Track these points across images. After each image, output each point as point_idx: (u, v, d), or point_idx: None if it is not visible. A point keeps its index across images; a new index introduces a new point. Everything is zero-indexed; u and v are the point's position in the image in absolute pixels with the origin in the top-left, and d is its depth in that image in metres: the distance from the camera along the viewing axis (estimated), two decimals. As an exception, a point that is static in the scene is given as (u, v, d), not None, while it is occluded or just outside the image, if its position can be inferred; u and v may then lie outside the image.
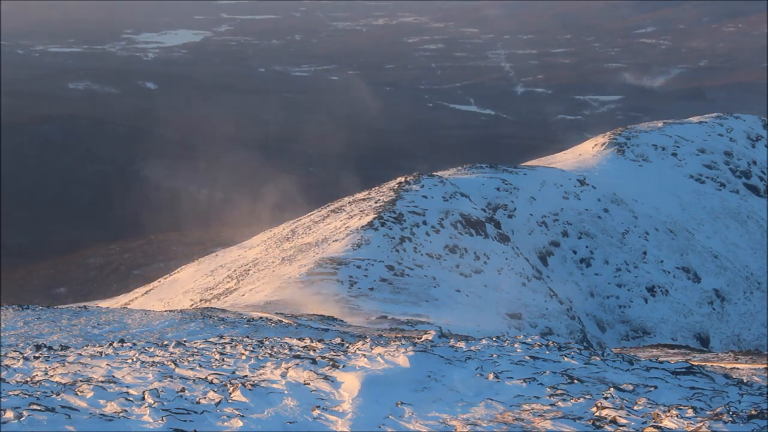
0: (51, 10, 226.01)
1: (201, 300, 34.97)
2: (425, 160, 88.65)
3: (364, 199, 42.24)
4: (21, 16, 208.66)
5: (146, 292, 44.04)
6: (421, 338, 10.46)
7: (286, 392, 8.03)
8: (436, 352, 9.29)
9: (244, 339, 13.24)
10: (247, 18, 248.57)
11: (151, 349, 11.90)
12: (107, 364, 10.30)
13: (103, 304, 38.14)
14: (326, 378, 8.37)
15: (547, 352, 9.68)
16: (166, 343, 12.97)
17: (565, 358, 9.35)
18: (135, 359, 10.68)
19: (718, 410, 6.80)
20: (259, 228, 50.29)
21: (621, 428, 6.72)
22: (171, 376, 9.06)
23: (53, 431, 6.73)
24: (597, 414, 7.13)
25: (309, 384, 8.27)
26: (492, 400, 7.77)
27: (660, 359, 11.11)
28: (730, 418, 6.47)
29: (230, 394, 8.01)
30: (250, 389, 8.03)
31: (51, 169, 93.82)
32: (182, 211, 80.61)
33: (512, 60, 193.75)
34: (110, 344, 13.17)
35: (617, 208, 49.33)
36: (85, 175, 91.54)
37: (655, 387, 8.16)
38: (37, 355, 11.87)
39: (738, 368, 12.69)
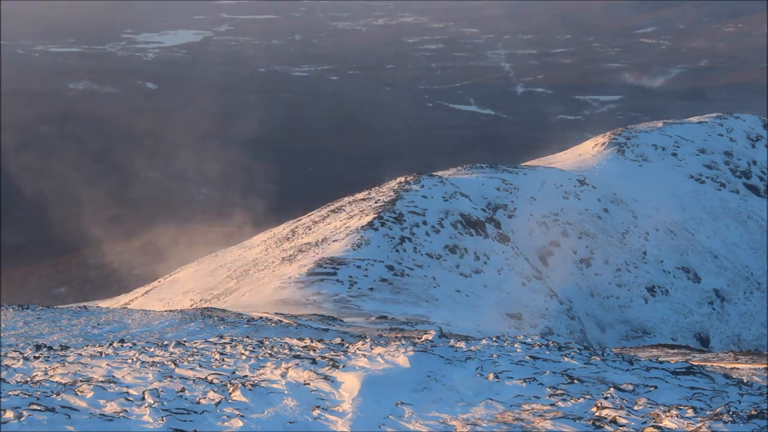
0: (51, 10, 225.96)
1: (201, 300, 34.97)
2: (425, 160, 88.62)
3: (364, 199, 42.24)
4: (21, 16, 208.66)
5: (146, 292, 44.04)
6: (421, 338, 10.46)
7: (286, 392, 8.03)
8: (436, 352, 9.30)
9: (244, 339, 13.24)
10: (247, 18, 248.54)
11: (151, 349, 11.90)
12: (107, 364, 10.30)
13: (103, 304, 38.12)
14: (326, 378, 8.37)
15: (547, 352, 9.68)
16: (166, 343, 12.97)
17: (565, 358, 9.36)
18: (135, 359, 10.68)
19: (718, 410, 6.80)
20: (259, 228, 50.31)
21: (621, 428, 6.72)
22: (171, 376, 9.06)
23: (53, 431, 6.73)
24: (597, 414, 7.13)
25: (309, 384, 8.27)
26: (492, 400, 7.77)
27: (660, 359, 11.12)
28: (730, 418, 6.47)
29: (230, 394, 8.01)
30: (250, 389, 8.03)
31: (51, 169, 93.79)
32: (182, 211, 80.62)
33: (512, 60, 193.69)
34: (110, 344, 13.17)
35: (617, 208, 49.32)
36: (85, 175, 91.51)
37: (655, 387, 8.17)
38: (37, 355, 11.87)
39: (738, 368, 12.69)
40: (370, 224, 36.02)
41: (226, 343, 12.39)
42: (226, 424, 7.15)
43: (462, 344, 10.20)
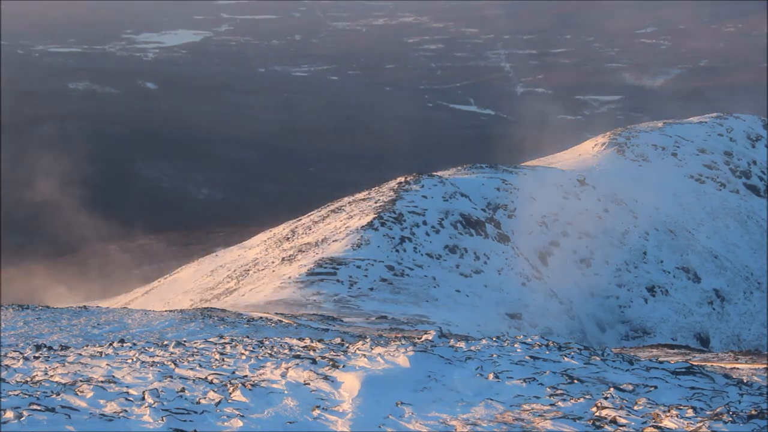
0: (51, 10, 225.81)
1: (201, 300, 35.00)
2: (425, 160, 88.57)
3: (364, 199, 42.25)
4: (21, 16, 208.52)
5: (146, 292, 44.08)
6: (421, 338, 10.46)
7: (286, 392, 8.03)
8: (436, 352, 9.30)
9: (244, 339, 13.24)
10: (247, 18, 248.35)
11: (151, 349, 11.90)
12: (107, 364, 10.30)
13: (103, 304, 38.13)
14: (326, 378, 8.37)
15: (547, 352, 9.68)
16: (166, 343, 12.97)
17: (565, 358, 9.36)
18: (135, 359, 10.69)
19: (718, 410, 6.80)
20: (259, 227, 50.32)
21: (621, 428, 6.72)
22: (171, 376, 9.06)
23: (53, 431, 6.73)
24: (597, 414, 7.13)
25: (309, 384, 8.27)
26: (492, 400, 7.78)
27: (660, 359, 11.11)
28: (730, 418, 6.47)
29: (230, 394, 8.01)
30: (250, 389, 8.03)
31: (51, 169, 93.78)
32: (182, 211, 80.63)
33: (512, 60, 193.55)
34: (110, 344, 13.17)
35: (617, 208, 49.32)
36: (85, 175, 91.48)
37: (655, 387, 8.17)
38: (37, 355, 11.87)
39: (738, 368, 12.70)
40: (370, 224, 36.04)
41: (226, 343, 12.39)
42: (226, 424, 7.15)
43: (462, 344, 10.20)
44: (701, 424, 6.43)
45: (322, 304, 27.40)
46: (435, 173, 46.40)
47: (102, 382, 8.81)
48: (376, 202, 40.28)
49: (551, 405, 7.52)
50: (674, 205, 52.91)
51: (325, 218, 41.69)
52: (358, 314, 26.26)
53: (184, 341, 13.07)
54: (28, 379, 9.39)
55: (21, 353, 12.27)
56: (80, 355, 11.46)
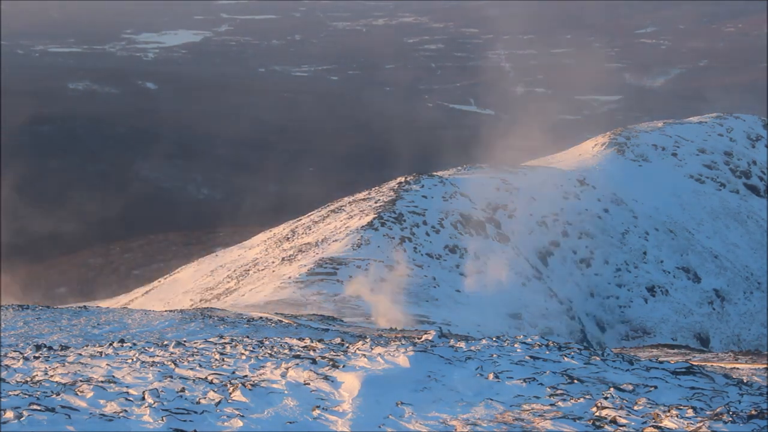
0: (51, 10, 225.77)
1: (201, 300, 34.99)
2: (425, 160, 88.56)
3: (364, 199, 42.26)
4: (21, 16, 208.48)
5: (146, 292, 44.07)
6: (421, 338, 10.46)
7: (286, 392, 8.03)
8: (436, 352, 9.29)
9: (244, 339, 13.24)
10: (247, 18, 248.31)
11: (151, 349, 11.90)
12: (107, 364, 10.30)
13: (103, 304, 38.13)
14: (326, 378, 8.37)
15: (547, 352, 9.68)
16: (166, 343, 12.97)
17: (565, 358, 9.35)
18: (135, 359, 10.68)
19: (718, 410, 6.80)
20: (259, 227, 50.32)
21: (621, 428, 6.72)
22: (171, 376, 9.06)
23: (53, 431, 6.73)
24: (597, 414, 7.12)
25: (309, 384, 8.27)
26: (492, 400, 7.77)
27: (660, 359, 11.11)
28: (730, 418, 6.47)
29: (230, 394, 8.01)
30: (250, 389, 8.03)
31: (51, 169, 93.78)
32: (182, 211, 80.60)
33: (512, 60, 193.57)
34: (110, 344, 13.17)
35: (617, 208, 49.32)
36: (85, 175, 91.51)
37: (655, 387, 8.16)
38: (37, 355, 11.87)
39: (738, 368, 12.70)
40: (370, 224, 36.04)
41: (226, 343, 12.39)
42: (226, 424, 7.15)
43: (462, 344, 10.20)
44: (701, 424, 6.43)
45: (322, 304, 27.40)
46: (435, 173, 46.41)
47: (102, 382, 8.81)
48: (376, 202, 40.28)
49: (551, 405, 7.52)
50: (674, 205, 52.89)
51: (325, 218, 41.69)
52: (358, 314, 26.27)
53: (184, 341, 13.07)
54: (28, 379, 9.38)
55: (21, 353, 12.26)
56: (80, 355, 11.46)
